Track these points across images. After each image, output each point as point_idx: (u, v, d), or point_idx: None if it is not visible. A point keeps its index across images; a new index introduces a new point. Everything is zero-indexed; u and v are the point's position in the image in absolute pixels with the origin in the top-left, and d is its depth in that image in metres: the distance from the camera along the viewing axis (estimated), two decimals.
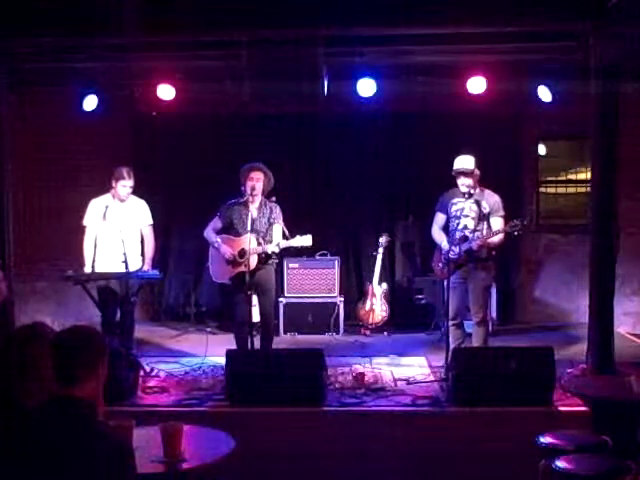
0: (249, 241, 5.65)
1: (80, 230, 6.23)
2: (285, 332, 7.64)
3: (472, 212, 5.73)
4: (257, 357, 5.39)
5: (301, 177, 8.34)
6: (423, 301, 7.83)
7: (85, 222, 6.16)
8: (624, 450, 3.76)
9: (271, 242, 5.82)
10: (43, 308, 7.97)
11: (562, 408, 4.81)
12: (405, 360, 6.35)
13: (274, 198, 5.94)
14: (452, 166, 5.78)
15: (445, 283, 5.70)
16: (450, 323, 5.77)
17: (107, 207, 6.01)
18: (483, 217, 5.72)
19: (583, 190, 8.20)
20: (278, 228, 5.90)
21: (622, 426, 4.17)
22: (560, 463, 3.44)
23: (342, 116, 7.73)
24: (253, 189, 5.80)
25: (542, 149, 8.51)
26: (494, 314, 7.53)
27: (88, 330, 2.43)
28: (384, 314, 7.71)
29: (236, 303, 5.93)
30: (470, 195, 5.69)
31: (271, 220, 5.89)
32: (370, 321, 7.70)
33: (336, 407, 4.96)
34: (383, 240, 7.72)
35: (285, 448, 4.66)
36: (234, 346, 5.89)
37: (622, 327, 7.53)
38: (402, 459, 4.65)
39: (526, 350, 5.17)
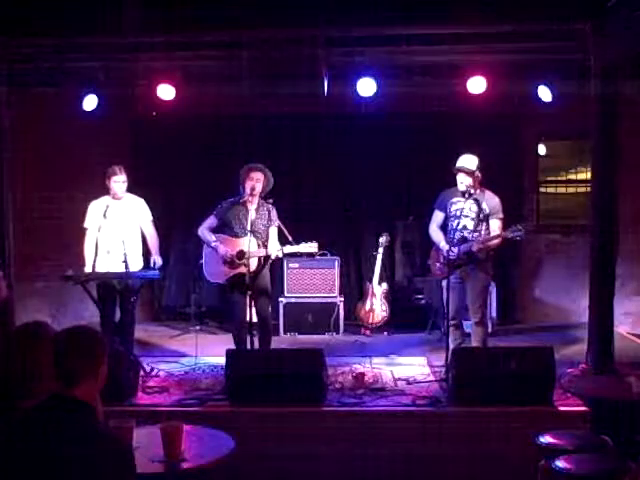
0: (249, 243, 5.63)
1: (80, 231, 6.23)
2: (285, 332, 7.63)
3: (472, 213, 5.72)
4: (257, 357, 5.39)
5: (301, 177, 8.33)
6: (423, 301, 7.83)
7: (85, 224, 6.18)
8: (624, 450, 3.76)
9: (267, 244, 5.80)
10: (43, 308, 7.97)
11: (562, 408, 4.81)
12: (405, 360, 6.35)
13: (271, 200, 5.91)
14: (452, 166, 5.78)
15: (444, 283, 5.70)
16: (449, 323, 5.77)
17: (108, 206, 6.03)
18: (483, 218, 5.71)
19: (583, 190, 8.20)
20: (274, 230, 5.90)
21: (622, 426, 4.17)
22: (560, 463, 3.44)
23: (342, 116, 7.72)
24: (253, 189, 5.78)
25: (542, 149, 8.51)
26: (494, 314, 7.52)
27: (88, 330, 2.44)
28: (384, 314, 7.71)
29: (234, 304, 5.91)
30: (470, 195, 5.68)
31: (269, 222, 5.88)
32: (370, 321, 7.70)
33: (336, 407, 4.96)
34: (383, 240, 7.72)
35: (285, 448, 4.66)
36: (234, 346, 5.88)
37: (622, 327, 7.53)
38: (402, 459, 4.66)
39: (526, 350, 5.17)
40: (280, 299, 7.63)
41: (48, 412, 2.21)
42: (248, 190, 5.78)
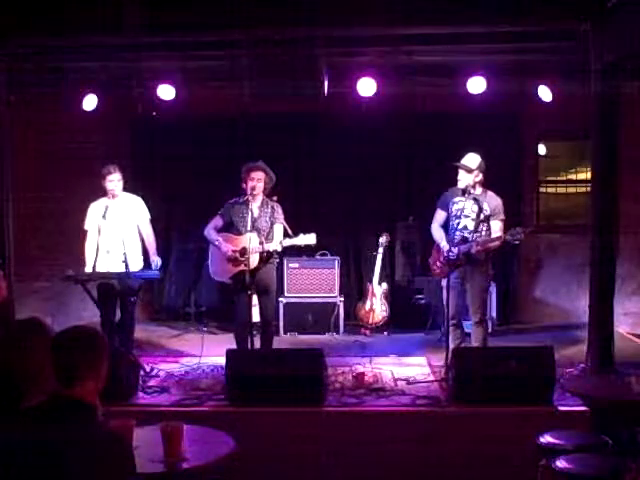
0: (249, 239, 5.64)
1: (80, 231, 6.24)
2: (285, 332, 7.64)
3: (472, 213, 5.72)
4: (257, 357, 5.38)
5: (301, 177, 8.33)
6: (423, 301, 7.82)
7: (85, 226, 6.22)
8: (624, 450, 3.76)
9: (272, 241, 5.81)
10: (43, 308, 7.96)
11: (562, 408, 4.81)
12: (405, 360, 6.35)
13: (275, 198, 5.93)
14: (452, 166, 5.79)
15: (444, 283, 5.70)
16: (449, 323, 5.77)
17: (107, 207, 6.06)
18: (484, 219, 5.71)
19: (583, 190, 8.21)
20: (279, 228, 5.89)
21: (622, 426, 4.17)
22: (560, 463, 3.44)
23: (342, 116, 7.72)
24: (253, 189, 5.79)
25: (542, 149, 8.51)
26: (494, 314, 7.53)
27: (89, 330, 2.43)
28: (384, 314, 7.71)
29: (236, 303, 5.93)
30: (469, 194, 5.68)
31: (272, 219, 5.88)
32: (370, 321, 7.70)
33: (336, 407, 4.96)
34: (383, 240, 7.72)
35: (285, 448, 4.66)
36: (234, 346, 5.88)
37: (622, 327, 7.53)
38: (402, 459, 4.65)
39: (526, 350, 5.16)
40: (280, 299, 7.62)
41: (48, 413, 2.21)
42: (249, 189, 5.79)
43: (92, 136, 8.03)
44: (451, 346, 5.62)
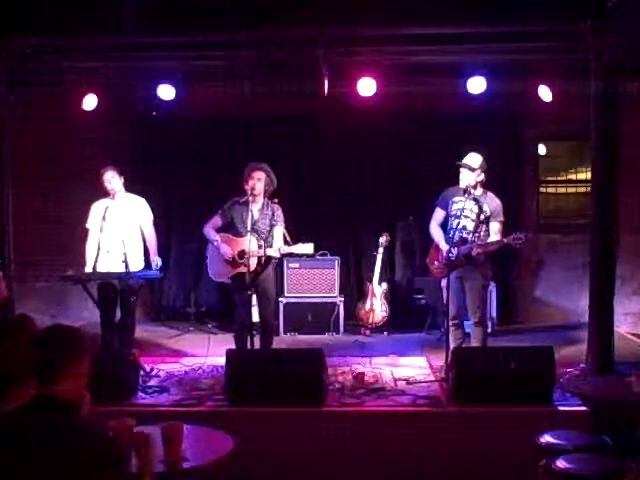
0: (249, 242, 5.64)
1: (80, 231, 6.25)
2: (285, 332, 7.64)
3: (472, 214, 5.71)
4: (257, 357, 5.38)
5: (301, 177, 8.34)
6: (423, 301, 7.82)
7: (88, 225, 6.25)
8: (624, 450, 3.76)
9: (272, 245, 5.80)
10: (43, 308, 7.97)
11: (562, 408, 4.81)
12: (405, 360, 6.34)
13: (276, 200, 5.92)
14: (452, 166, 5.79)
15: (444, 283, 5.70)
16: (450, 323, 5.77)
17: (107, 208, 6.10)
18: (483, 220, 5.71)
19: (583, 190, 8.21)
20: (279, 230, 5.89)
21: (622, 426, 4.17)
22: (560, 463, 3.44)
23: (342, 116, 7.72)
24: (254, 189, 5.78)
25: (542, 149, 8.51)
26: (494, 314, 7.53)
27: (67, 328, 2.40)
28: (384, 314, 7.71)
29: (236, 303, 5.93)
30: (469, 194, 5.68)
31: (272, 222, 5.87)
32: (370, 321, 7.70)
33: (336, 407, 4.95)
34: (383, 240, 7.72)
35: (285, 448, 4.66)
36: (234, 346, 5.89)
37: (622, 327, 7.53)
38: (402, 459, 4.66)
39: (526, 350, 5.16)
40: (280, 299, 7.63)
41: (28, 414, 2.19)
42: (249, 189, 5.79)
43: (92, 136, 8.02)
44: (451, 346, 5.62)
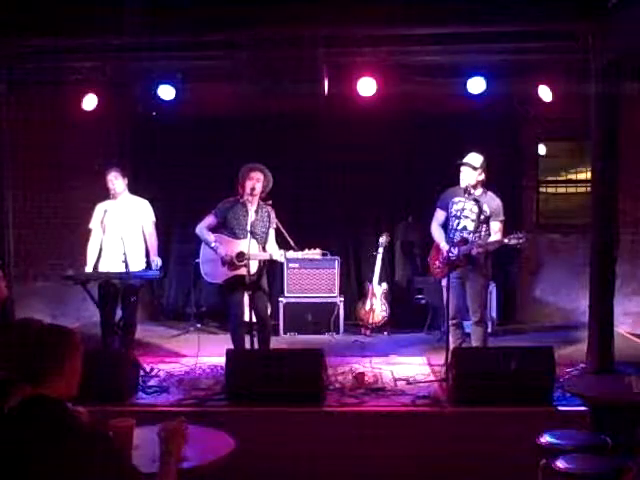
0: (249, 244, 5.62)
1: (80, 231, 6.26)
2: (285, 332, 7.64)
3: (472, 214, 5.72)
4: (257, 357, 5.38)
5: (301, 177, 8.32)
6: (423, 301, 7.82)
7: (90, 225, 6.28)
8: (624, 450, 3.76)
9: (265, 246, 5.80)
10: (43, 308, 7.97)
11: (562, 408, 4.81)
12: (405, 360, 6.35)
13: (270, 202, 5.91)
14: (452, 166, 5.79)
15: (444, 283, 5.70)
16: (450, 323, 5.77)
17: (106, 212, 6.15)
18: (484, 220, 5.71)
19: (583, 190, 8.21)
20: (273, 232, 5.91)
21: (622, 426, 4.17)
22: (560, 463, 3.44)
23: (342, 116, 7.72)
24: (253, 189, 5.78)
25: (542, 149, 8.51)
26: (494, 314, 7.53)
27: (57, 327, 2.40)
28: (384, 314, 7.71)
29: (231, 304, 5.90)
30: (470, 194, 5.68)
31: (268, 224, 5.88)
32: (370, 321, 7.70)
33: (336, 407, 4.95)
34: (383, 240, 7.72)
35: (285, 448, 4.66)
36: (232, 346, 5.88)
37: (622, 327, 7.54)
38: (402, 459, 4.65)
39: (526, 350, 5.16)
40: (280, 299, 7.64)
41: (18, 416, 2.18)
42: (248, 190, 5.78)
43: (92, 136, 8.02)
44: (452, 346, 5.62)
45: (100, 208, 6.24)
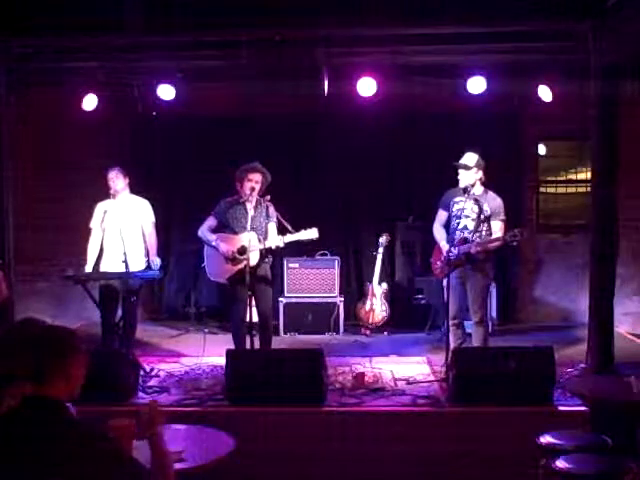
0: (249, 238, 5.65)
1: (80, 231, 6.26)
2: (285, 332, 7.63)
3: (473, 213, 5.72)
4: (257, 357, 5.38)
5: (301, 177, 8.33)
6: (423, 301, 7.82)
7: (91, 225, 6.28)
8: (624, 450, 3.76)
9: (267, 240, 5.82)
10: (43, 308, 7.96)
11: (562, 408, 4.81)
12: (405, 360, 6.35)
13: (268, 197, 5.92)
14: (452, 166, 5.80)
15: (444, 283, 5.71)
16: (450, 323, 5.78)
17: (106, 212, 6.15)
18: (484, 219, 5.71)
19: (583, 190, 8.21)
20: (273, 226, 5.93)
21: (622, 426, 4.17)
22: (560, 463, 3.44)
23: (342, 116, 7.72)
24: (253, 189, 5.79)
25: (542, 149, 8.51)
26: (494, 314, 7.52)
27: (62, 329, 2.41)
28: (384, 314, 7.71)
29: (234, 303, 5.92)
30: (469, 193, 5.68)
31: (267, 219, 5.91)
32: (370, 321, 7.70)
33: (336, 407, 4.95)
34: (383, 240, 7.72)
35: (285, 448, 4.66)
36: (233, 346, 5.88)
37: (622, 327, 7.54)
38: (402, 459, 4.65)
39: (526, 350, 5.16)
40: (280, 299, 7.63)
41: (18, 415, 2.18)
42: (247, 191, 5.80)
43: (92, 136, 8.01)
44: (452, 346, 5.62)
45: (100, 208, 6.24)
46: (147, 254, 6.31)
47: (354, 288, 8.33)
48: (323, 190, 8.24)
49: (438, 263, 5.91)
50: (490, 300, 6.84)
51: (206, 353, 6.22)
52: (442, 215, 5.94)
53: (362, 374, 5.57)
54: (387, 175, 8.24)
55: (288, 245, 5.93)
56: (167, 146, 8.23)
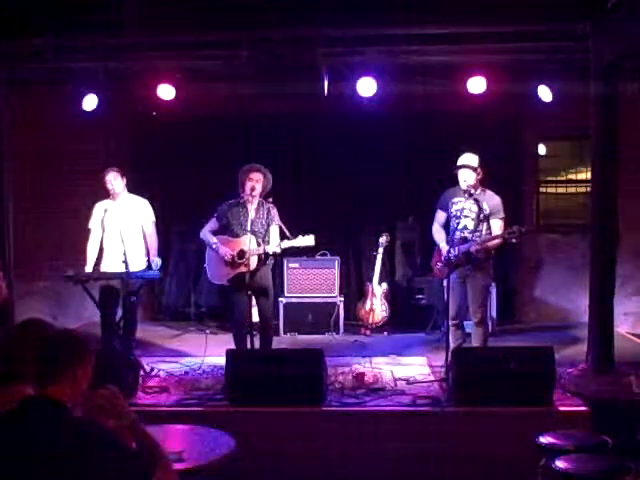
0: (249, 241, 5.64)
1: (80, 231, 6.26)
2: (285, 332, 7.63)
3: (472, 213, 5.72)
4: (257, 357, 5.38)
5: (301, 177, 8.33)
6: (423, 301, 7.82)
7: (90, 225, 6.27)
8: (624, 450, 3.76)
9: (269, 243, 5.81)
10: (43, 308, 7.98)
11: (562, 408, 4.80)
12: (405, 360, 6.34)
13: (271, 199, 5.91)
14: (452, 166, 5.79)
15: (445, 283, 5.70)
16: (450, 323, 5.77)
17: (106, 211, 6.14)
18: (483, 218, 5.71)
19: (583, 190, 8.21)
20: (275, 229, 5.90)
21: (622, 426, 4.17)
22: (560, 463, 3.44)
23: (342, 116, 7.72)
24: (253, 190, 5.79)
25: (542, 149, 8.51)
26: (494, 314, 7.52)
27: (72, 334, 2.42)
28: (384, 314, 7.71)
29: (235, 304, 5.91)
30: (470, 194, 5.68)
31: (269, 221, 5.89)
32: (370, 321, 7.70)
33: (336, 407, 4.95)
34: (383, 240, 7.72)
35: (285, 448, 4.67)
36: (234, 346, 5.88)
37: (622, 327, 7.54)
38: (402, 459, 4.66)
39: (526, 350, 5.16)
40: (280, 299, 7.63)
41: (19, 413, 2.19)
42: (248, 191, 5.79)
43: (92, 136, 8.02)
44: (452, 346, 5.62)
45: (100, 207, 6.24)
46: (147, 254, 6.31)
47: (354, 288, 8.33)
48: (323, 190, 8.25)
49: (439, 264, 5.90)
50: (490, 300, 6.84)
51: (206, 353, 6.22)
52: (441, 216, 5.93)
53: (362, 374, 5.57)
54: (387, 175, 8.23)
55: (287, 248, 5.93)
56: (167, 146, 8.22)
